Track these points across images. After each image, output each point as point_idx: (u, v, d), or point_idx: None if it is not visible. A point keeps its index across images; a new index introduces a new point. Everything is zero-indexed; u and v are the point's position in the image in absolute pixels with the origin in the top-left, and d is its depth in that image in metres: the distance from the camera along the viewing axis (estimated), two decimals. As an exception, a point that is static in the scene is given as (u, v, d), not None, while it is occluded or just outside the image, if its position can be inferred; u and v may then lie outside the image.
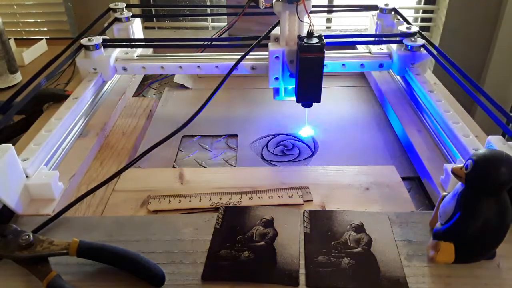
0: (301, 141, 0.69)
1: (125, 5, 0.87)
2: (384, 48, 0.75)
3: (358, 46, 0.87)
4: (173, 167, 0.64)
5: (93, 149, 0.62)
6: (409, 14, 1.49)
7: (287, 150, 0.67)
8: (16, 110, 0.59)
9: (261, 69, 0.70)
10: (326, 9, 1.27)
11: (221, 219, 0.48)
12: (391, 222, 0.47)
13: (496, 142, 0.51)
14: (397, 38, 0.74)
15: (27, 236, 0.42)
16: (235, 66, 0.65)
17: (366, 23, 0.98)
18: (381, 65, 0.74)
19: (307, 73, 0.59)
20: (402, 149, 0.66)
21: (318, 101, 0.62)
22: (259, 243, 0.44)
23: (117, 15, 0.85)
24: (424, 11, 1.50)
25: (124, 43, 0.79)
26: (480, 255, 0.41)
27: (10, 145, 0.48)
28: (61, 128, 0.60)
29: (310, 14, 0.59)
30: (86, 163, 0.60)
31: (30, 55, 1.03)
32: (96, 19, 0.85)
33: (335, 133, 0.71)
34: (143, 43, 0.84)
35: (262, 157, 0.66)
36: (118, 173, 0.53)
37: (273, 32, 0.65)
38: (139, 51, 0.78)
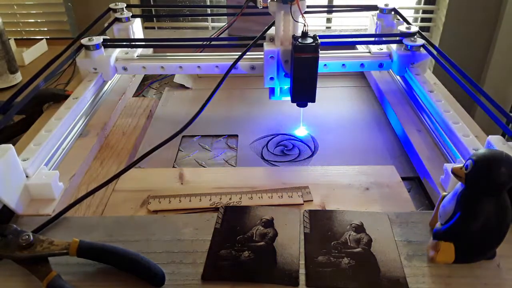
0: (301, 141, 0.69)
1: (125, 5, 0.87)
2: (384, 48, 0.75)
3: (358, 46, 0.87)
4: (173, 167, 0.64)
5: (93, 149, 0.62)
6: (409, 14, 1.49)
7: (287, 150, 0.67)
8: (16, 110, 0.59)
9: (260, 69, 0.69)
10: (326, 9, 1.27)
11: (221, 219, 0.48)
12: (391, 222, 0.47)
13: (496, 142, 0.51)
14: (397, 38, 0.74)
15: (27, 236, 0.42)
16: (232, 67, 0.65)
17: (366, 23, 0.98)
18: (381, 65, 0.74)
19: (301, 73, 0.59)
20: (402, 149, 0.66)
21: (313, 100, 0.62)
22: (259, 243, 0.44)
23: (117, 15, 0.85)
24: (424, 11, 1.50)
25: (124, 43, 0.79)
26: (480, 255, 0.41)
27: (10, 145, 0.48)
28: (61, 128, 0.60)
29: (308, 14, 0.59)
30: (86, 163, 0.60)
31: (30, 55, 1.03)
32: (96, 19, 0.85)
33: (335, 133, 0.71)
34: (143, 43, 0.84)
35: (262, 157, 0.66)
36: (120, 174, 0.52)
37: (269, 32, 0.66)
38: (139, 51, 0.78)
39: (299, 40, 0.58)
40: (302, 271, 0.41)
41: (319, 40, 0.57)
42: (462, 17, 1.39)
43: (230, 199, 0.53)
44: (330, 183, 0.56)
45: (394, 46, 0.74)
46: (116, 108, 0.73)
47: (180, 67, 0.73)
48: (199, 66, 0.72)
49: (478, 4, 1.37)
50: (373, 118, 0.75)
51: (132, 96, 0.82)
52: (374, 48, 0.75)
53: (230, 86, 0.84)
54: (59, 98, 0.71)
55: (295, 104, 0.64)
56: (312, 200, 0.53)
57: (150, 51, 0.87)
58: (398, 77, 0.77)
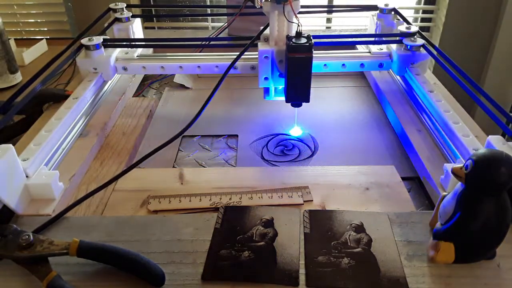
0: (301, 141, 0.69)
1: (125, 5, 0.87)
2: (384, 48, 0.75)
3: (358, 46, 0.87)
4: (173, 167, 0.64)
5: (93, 149, 0.62)
6: (409, 14, 1.49)
7: (287, 150, 0.67)
8: (16, 110, 0.59)
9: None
10: (326, 9, 1.27)
11: (221, 219, 0.48)
12: (391, 222, 0.47)
13: (496, 142, 0.51)
14: (397, 38, 0.74)
15: (27, 236, 0.42)
16: (229, 69, 0.65)
17: (366, 23, 0.98)
18: (381, 65, 0.74)
19: (295, 73, 0.59)
20: (402, 149, 0.66)
21: (307, 100, 0.62)
22: (259, 243, 0.44)
23: (117, 15, 0.85)
24: (424, 11, 1.50)
25: (124, 43, 0.79)
26: (480, 255, 0.41)
27: (10, 145, 0.48)
28: (61, 128, 0.60)
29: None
30: (86, 163, 0.60)
31: (30, 55, 1.03)
32: (96, 19, 0.85)
33: (335, 133, 0.71)
34: (143, 43, 0.84)
35: (262, 157, 0.66)
36: (121, 174, 0.53)
37: (266, 32, 0.66)
38: (139, 51, 0.78)
39: (293, 40, 0.58)
40: (302, 271, 0.41)
41: (313, 40, 0.58)
42: (462, 17, 1.39)
43: (230, 199, 0.53)
44: (330, 183, 0.56)
45: (394, 46, 0.74)
46: (116, 108, 0.73)
47: (180, 67, 0.73)
48: (199, 66, 0.72)
49: (478, 4, 1.37)
50: (373, 118, 0.75)
51: (132, 96, 0.82)
52: (374, 48, 0.75)
53: (230, 86, 0.84)
54: (59, 98, 0.71)
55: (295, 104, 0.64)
56: (312, 200, 0.53)
57: (150, 51, 0.87)
58: (398, 77, 0.77)
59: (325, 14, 1.43)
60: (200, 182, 0.57)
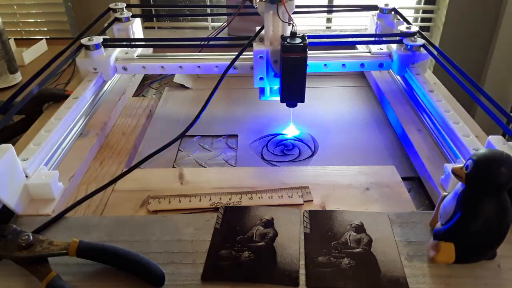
0: (301, 141, 0.69)
1: (125, 5, 0.87)
2: (384, 48, 0.75)
3: (358, 46, 0.87)
4: (173, 167, 0.64)
5: (93, 149, 0.62)
6: (409, 14, 1.49)
7: (287, 150, 0.67)
8: (16, 110, 0.59)
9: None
10: (326, 9, 1.27)
11: (221, 219, 0.48)
12: (391, 222, 0.47)
13: (496, 142, 0.51)
14: (397, 38, 0.74)
15: (26, 236, 0.42)
16: (227, 70, 0.65)
17: (366, 23, 0.98)
18: (381, 65, 0.74)
19: (290, 73, 0.59)
20: (402, 149, 0.66)
21: (302, 101, 0.62)
22: (259, 243, 0.44)
23: (117, 15, 0.85)
24: (424, 11, 1.50)
25: (124, 43, 0.79)
26: (481, 255, 0.41)
27: (10, 145, 0.48)
28: (61, 128, 0.60)
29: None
30: (86, 163, 0.60)
31: (30, 55, 1.03)
32: (96, 19, 0.85)
33: (335, 133, 0.71)
34: (143, 43, 0.84)
35: (262, 157, 0.65)
36: (123, 175, 0.53)
37: (262, 32, 0.66)
38: (139, 51, 0.78)
39: (288, 40, 0.58)
40: (302, 271, 0.41)
41: (308, 40, 0.58)
42: (462, 17, 1.39)
43: (230, 199, 0.53)
44: (330, 183, 0.56)
45: (394, 46, 0.74)
46: (116, 108, 0.73)
47: (180, 67, 0.73)
48: (199, 66, 0.72)
49: (478, 4, 1.37)
50: (373, 118, 0.75)
51: (132, 96, 0.82)
52: (374, 48, 0.75)
53: (230, 86, 0.84)
54: (59, 98, 0.71)
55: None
56: (312, 200, 0.53)
57: (150, 51, 0.87)
58: (398, 77, 0.77)
59: (325, 14, 1.43)
60: (200, 182, 0.57)
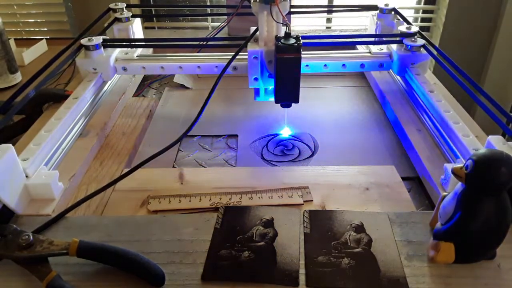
0: (301, 141, 0.69)
1: (125, 5, 0.87)
2: (384, 48, 0.75)
3: (358, 46, 0.87)
4: (173, 167, 0.64)
5: (93, 149, 0.62)
6: (409, 14, 1.49)
7: (287, 150, 0.67)
8: (16, 110, 0.59)
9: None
10: (326, 9, 1.27)
11: (221, 219, 0.48)
12: (391, 222, 0.47)
13: (496, 142, 0.51)
14: (397, 38, 0.74)
15: (27, 236, 0.42)
16: (224, 70, 0.65)
17: (366, 23, 0.98)
18: (381, 65, 0.74)
19: (284, 73, 0.59)
20: (402, 149, 0.66)
21: (297, 101, 0.62)
22: (259, 243, 0.44)
23: (117, 15, 0.85)
24: (424, 11, 1.50)
25: (124, 43, 0.79)
26: (480, 255, 0.41)
27: (10, 145, 0.48)
28: (61, 128, 0.60)
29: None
30: (86, 163, 0.60)
31: (30, 55, 1.03)
32: (96, 19, 0.85)
33: (335, 133, 0.71)
34: (143, 43, 0.84)
35: (262, 157, 0.65)
36: (124, 175, 0.53)
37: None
38: (139, 51, 0.78)
39: (282, 40, 0.58)
40: (302, 271, 0.41)
41: (304, 41, 0.58)
42: (462, 17, 1.39)
43: (230, 199, 0.53)
44: (330, 183, 0.56)
45: (394, 46, 0.74)
46: (116, 108, 0.73)
47: (180, 67, 0.73)
48: (199, 67, 0.72)
49: (478, 4, 1.37)
50: (373, 118, 0.75)
51: (132, 96, 0.82)
52: (374, 48, 0.75)
53: (230, 86, 0.84)
54: (59, 98, 0.71)
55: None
56: (312, 200, 0.53)
57: (150, 51, 0.87)
58: (398, 77, 0.77)
59: (325, 14, 1.43)
60: (200, 182, 0.57)
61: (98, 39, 0.72)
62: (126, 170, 0.58)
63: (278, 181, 0.57)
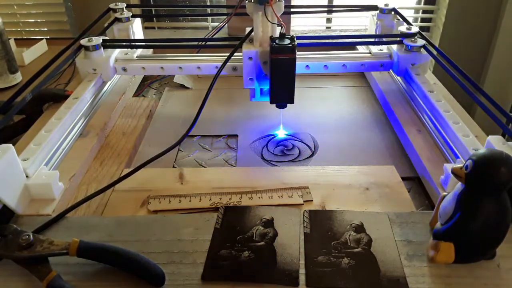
0: (301, 141, 0.69)
1: (125, 5, 0.87)
2: (384, 48, 0.75)
3: (358, 46, 0.87)
4: (173, 167, 0.64)
5: (93, 149, 0.62)
6: (409, 14, 1.49)
7: (287, 150, 0.67)
8: (16, 110, 0.59)
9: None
10: (326, 9, 1.27)
11: (221, 219, 0.48)
12: (391, 222, 0.47)
13: (496, 142, 0.51)
14: (398, 39, 0.74)
15: (27, 236, 0.42)
16: (219, 71, 0.66)
17: (366, 23, 0.99)
18: (381, 66, 0.74)
19: (279, 74, 0.59)
20: (402, 149, 0.66)
21: (292, 102, 0.62)
22: (259, 243, 0.44)
23: (117, 15, 0.85)
24: (424, 11, 1.50)
25: (124, 44, 0.79)
26: (480, 255, 0.41)
27: (10, 145, 0.48)
28: (61, 128, 0.60)
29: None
30: (86, 163, 0.60)
31: (30, 55, 1.03)
32: (96, 19, 0.85)
33: (335, 133, 0.71)
34: (143, 44, 0.84)
35: (262, 157, 0.66)
36: (124, 177, 0.53)
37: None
38: (138, 51, 0.78)
39: (277, 41, 0.58)
40: (302, 271, 0.41)
41: (296, 41, 0.57)
42: (462, 17, 1.39)
43: (230, 199, 0.53)
44: (330, 183, 0.56)
45: (394, 47, 0.74)
46: (116, 108, 0.73)
47: (180, 67, 0.73)
48: (198, 67, 0.72)
49: (478, 4, 1.37)
50: (373, 118, 0.75)
51: (132, 96, 0.82)
52: (375, 49, 0.75)
53: (230, 86, 0.84)
54: (59, 98, 0.71)
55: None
56: (312, 200, 0.53)
57: (149, 51, 0.87)
58: (398, 77, 0.77)
59: (325, 14, 1.43)
60: (200, 182, 0.57)
61: (97, 40, 0.72)
62: (126, 170, 0.58)
63: (278, 181, 0.57)
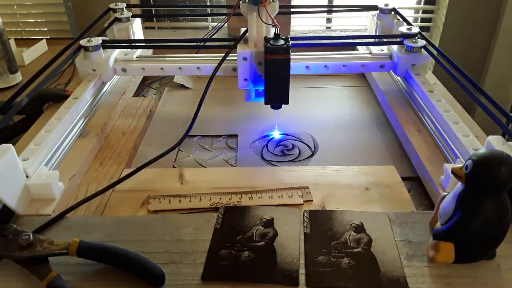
0: (301, 141, 0.69)
1: (125, 5, 0.87)
2: (384, 49, 0.75)
3: (358, 47, 0.87)
4: (173, 167, 0.64)
5: (93, 149, 0.62)
6: (409, 14, 1.49)
7: (287, 150, 0.67)
8: (16, 110, 0.59)
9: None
10: (326, 9, 1.27)
11: (221, 219, 0.48)
12: (391, 222, 0.47)
13: (496, 142, 0.51)
14: (398, 39, 0.74)
15: (27, 236, 0.42)
16: (215, 72, 0.66)
17: (366, 23, 0.98)
18: (381, 66, 0.74)
19: (273, 75, 0.59)
20: (402, 149, 0.66)
21: (286, 102, 0.62)
22: (259, 243, 0.44)
23: (117, 15, 0.85)
24: (424, 11, 1.50)
25: (123, 44, 0.79)
26: (480, 255, 0.41)
27: (10, 145, 0.48)
28: (61, 128, 0.60)
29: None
30: (86, 163, 0.60)
31: (30, 55, 1.03)
32: (96, 19, 0.85)
33: (335, 133, 0.71)
34: (142, 44, 0.84)
35: (262, 157, 0.66)
36: (126, 177, 0.53)
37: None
38: (138, 52, 0.78)
39: (271, 42, 0.58)
40: (302, 271, 0.41)
41: (291, 42, 0.57)
42: (462, 17, 1.39)
43: (230, 199, 0.53)
44: (330, 183, 0.56)
45: (395, 47, 0.74)
46: (116, 108, 0.73)
47: (180, 68, 0.73)
48: (198, 67, 0.72)
49: (478, 4, 1.37)
50: (373, 118, 0.75)
51: (132, 96, 0.82)
52: (375, 49, 0.75)
53: (230, 86, 0.84)
54: (59, 98, 0.71)
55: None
56: (312, 200, 0.53)
57: (149, 52, 0.87)
58: (398, 77, 0.77)
59: (325, 14, 1.43)
60: (200, 182, 0.57)
61: (97, 40, 0.72)
62: (126, 170, 0.58)
63: (278, 181, 0.57)
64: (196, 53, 0.81)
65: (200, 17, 1.47)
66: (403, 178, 0.58)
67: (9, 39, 0.95)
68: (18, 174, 0.49)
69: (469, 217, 0.39)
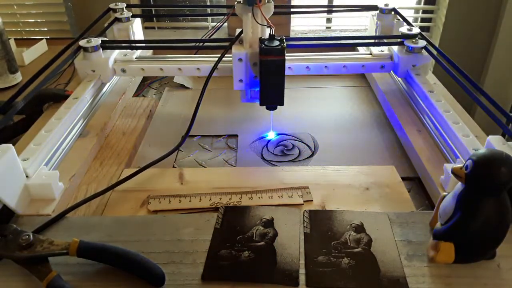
0: (301, 141, 0.69)
1: (125, 5, 0.87)
2: (385, 49, 0.75)
3: (358, 47, 0.87)
4: (173, 167, 0.64)
5: (93, 149, 0.62)
6: (409, 14, 1.49)
7: (287, 150, 0.67)
8: (16, 110, 0.59)
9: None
10: (326, 9, 1.27)
11: (221, 219, 0.48)
12: (391, 222, 0.47)
13: (496, 142, 0.51)
14: (398, 40, 0.74)
15: (27, 236, 0.42)
16: (212, 72, 0.66)
17: (366, 23, 0.98)
18: (382, 67, 0.74)
19: (268, 75, 0.59)
20: (402, 149, 0.66)
21: (281, 103, 0.62)
22: (259, 243, 0.44)
23: (117, 15, 0.85)
24: (424, 11, 1.50)
25: (123, 45, 0.79)
26: (480, 255, 0.41)
27: (10, 145, 0.48)
28: (61, 128, 0.60)
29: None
30: (86, 163, 0.60)
31: (30, 55, 1.03)
32: (96, 19, 0.85)
33: (335, 133, 0.71)
34: (142, 45, 0.84)
35: (262, 157, 0.66)
36: (126, 179, 0.53)
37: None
38: (138, 52, 0.78)
39: (266, 42, 0.57)
40: (302, 271, 0.41)
41: (285, 43, 0.57)
42: (462, 17, 1.39)
43: (230, 199, 0.53)
44: (330, 183, 0.56)
45: (395, 48, 0.74)
46: (116, 108, 0.73)
47: (179, 69, 0.73)
48: (198, 68, 0.72)
49: (478, 4, 1.37)
50: (373, 118, 0.75)
51: (132, 96, 0.82)
52: (375, 50, 0.75)
53: (230, 86, 0.84)
54: (59, 98, 0.71)
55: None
56: (312, 200, 0.53)
57: (149, 52, 0.87)
58: (398, 77, 0.77)
59: (325, 14, 1.43)
60: (200, 182, 0.57)
61: (96, 41, 0.72)
62: (126, 170, 0.58)
63: (278, 181, 0.57)
64: (195, 54, 0.81)
65: (200, 17, 1.47)
66: (403, 178, 0.58)
67: (9, 39, 0.95)
68: (18, 174, 0.49)
69: (469, 217, 0.39)
